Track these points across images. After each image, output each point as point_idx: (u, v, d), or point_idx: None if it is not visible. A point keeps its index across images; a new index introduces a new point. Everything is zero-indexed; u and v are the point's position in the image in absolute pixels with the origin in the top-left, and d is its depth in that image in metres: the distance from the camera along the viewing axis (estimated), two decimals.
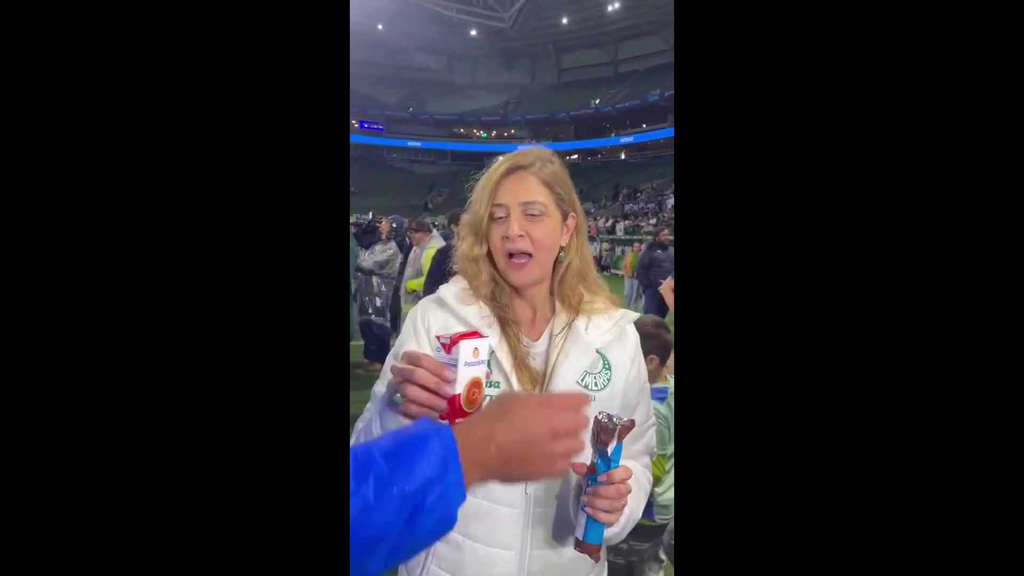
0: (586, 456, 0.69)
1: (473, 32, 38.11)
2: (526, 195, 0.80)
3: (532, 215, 0.80)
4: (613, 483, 0.68)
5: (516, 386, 0.78)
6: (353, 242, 3.02)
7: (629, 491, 0.71)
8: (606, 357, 0.83)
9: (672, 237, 5.97)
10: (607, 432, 0.68)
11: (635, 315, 0.91)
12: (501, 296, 0.84)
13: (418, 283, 4.02)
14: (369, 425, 0.77)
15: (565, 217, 0.85)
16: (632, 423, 0.69)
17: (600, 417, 0.68)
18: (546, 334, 0.84)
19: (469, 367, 0.64)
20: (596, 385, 0.81)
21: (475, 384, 0.64)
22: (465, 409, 0.63)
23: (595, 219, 23.64)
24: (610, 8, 33.76)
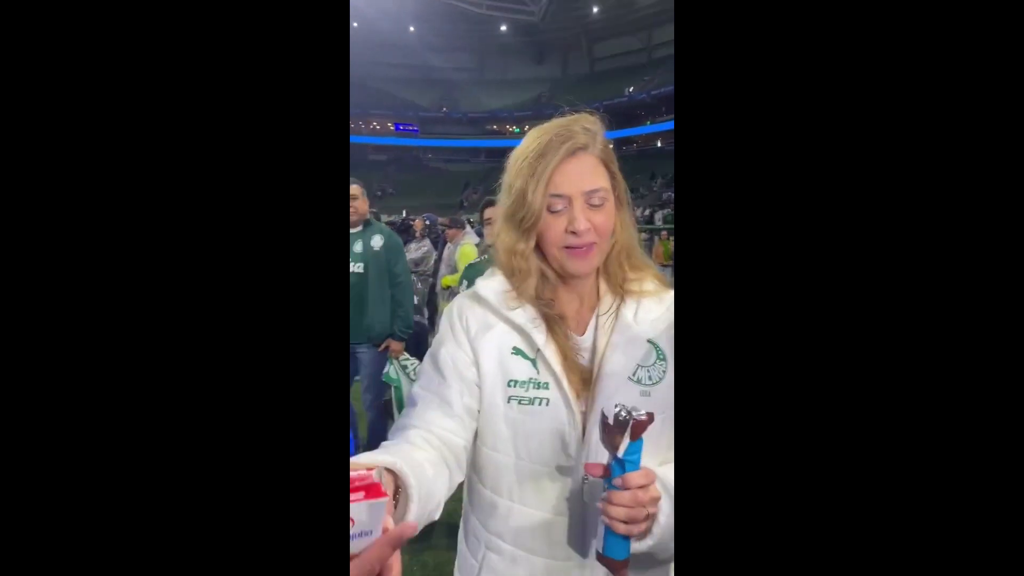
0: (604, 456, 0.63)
1: (503, 27, 38.02)
2: (591, 182, 0.71)
3: (595, 205, 0.71)
4: (629, 488, 0.59)
5: (567, 388, 0.72)
6: (398, 241, 3.02)
7: (652, 498, 0.60)
8: (659, 347, 0.74)
9: None
10: (618, 428, 0.58)
11: None
12: (544, 291, 0.75)
13: (453, 279, 4.04)
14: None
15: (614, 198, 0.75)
16: (651, 417, 0.58)
17: (607, 412, 0.59)
18: (591, 325, 0.77)
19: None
20: (650, 379, 0.73)
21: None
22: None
23: (632, 209, 23.10)
24: None
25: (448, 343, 0.77)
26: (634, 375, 0.73)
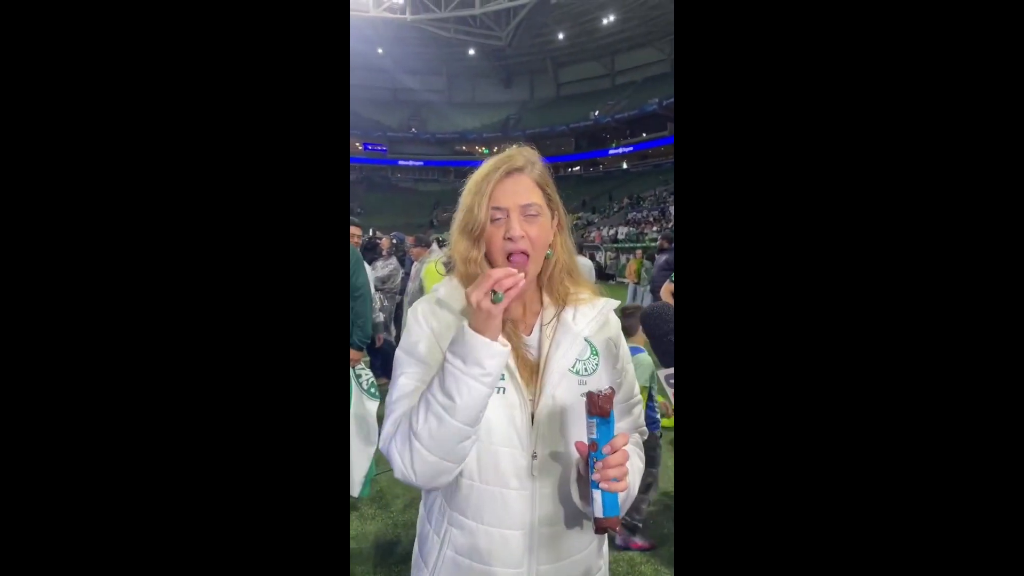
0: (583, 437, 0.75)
1: (471, 51, 38.75)
2: (525, 197, 0.85)
3: (530, 215, 0.84)
4: (616, 449, 0.73)
5: (519, 378, 0.84)
6: (358, 255, 3.06)
7: (627, 456, 0.74)
8: (593, 344, 0.90)
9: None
10: (605, 400, 0.72)
11: (615, 302, 0.95)
12: None
13: None
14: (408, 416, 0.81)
15: (552, 216, 0.89)
16: (612, 390, 0.75)
17: (594, 391, 0.74)
18: (536, 326, 0.89)
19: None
20: (586, 370, 0.87)
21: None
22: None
23: (598, 229, 23.64)
24: (605, 21, 34.21)
25: (416, 334, 0.88)
26: (573, 367, 0.87)
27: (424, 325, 0.88)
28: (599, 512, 0.73)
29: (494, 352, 0.73)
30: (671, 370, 1.79)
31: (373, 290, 4.93)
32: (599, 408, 0.72)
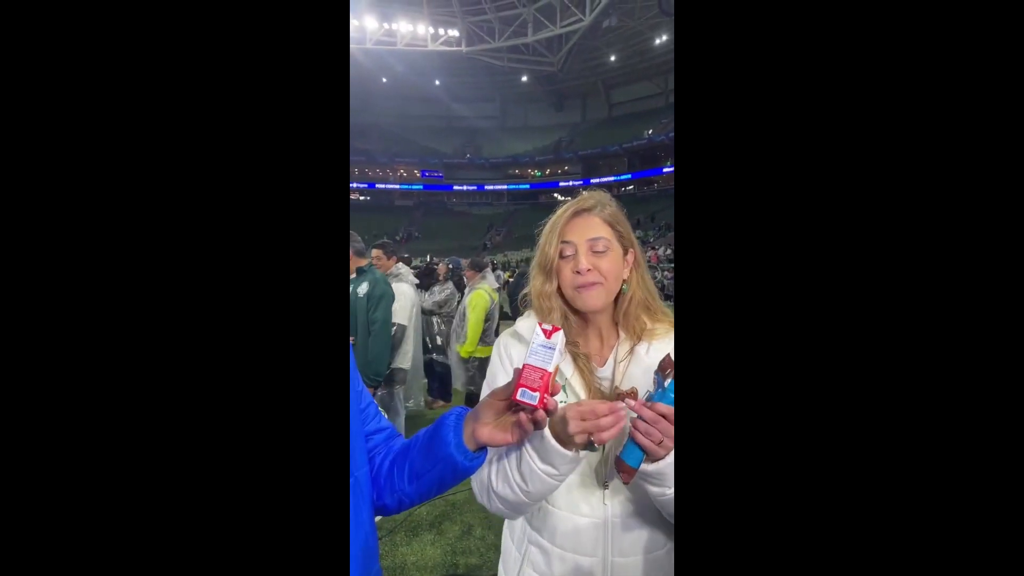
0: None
1: (524, 78, 39.73)
2: (592, 232, 0.90)
3: (598, 251, 0.89)
4: (655, 411, 0.75)
5: None
6: (384, 288, 3.07)
7: (668, 432, 0.75)
8: None
9: None
10: (669, 363, 0.76)
11: None
12: (569, 332, 0.92)
13: (466, 350, 4.07)
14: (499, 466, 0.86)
15: (625, 252, 0.93)
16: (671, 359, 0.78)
17: (671, 356, 0.78)
18: (611, 360, 0.92)
19: (558, 352, 0.73)
20: None
21: (555, 369, 0.73)
22: (551, 384, 0.71)
23: (654, 248, 23.09)
24: (657, 41, 34.06)
25: (499, 371, 0.96)
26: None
27: (504, 358, 0.95)
28: (620, 452, 0.78)
29: (567, 460, 0.77)
30: None
31: (420, 317, 5.04)
32: (662, 368, 0.77)
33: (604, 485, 0.86)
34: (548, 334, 0.71)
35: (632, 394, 0.79)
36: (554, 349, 0.70)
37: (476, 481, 0.88)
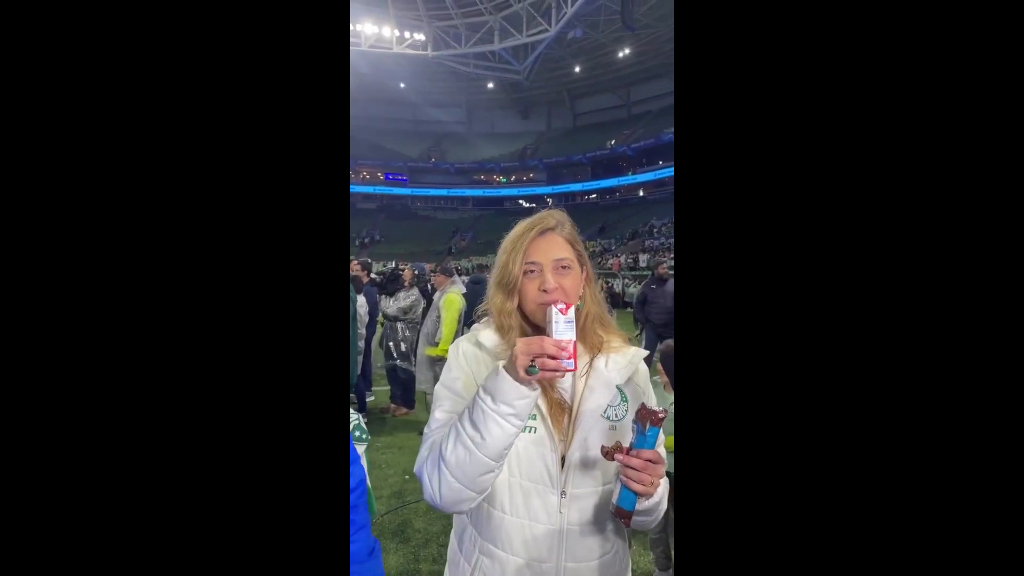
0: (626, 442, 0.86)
1: (490, 85, 39.90)
2: (557, 252, 0.93)
3: (563, 268, 0.92)
4: (641, 458, 0.81)
5: (550, 422, 0.89)
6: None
7: (657, 473, 0.82)
8: (623, 391, 0.96)
9: (670, 271, 5.89)
10: (649, 415, 0.82)
11: (644, 352, 1.02)
12: None
13: (441, 349, 4.13)
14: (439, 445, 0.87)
15: (581, 269, 0.96)
16: (665, 413, 0.83)
17: (647, 406, 0.84)
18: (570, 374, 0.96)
19: (575, 323, 0.82)
20: (616, 416, 0.93)
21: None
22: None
23: (616, 256, 23.63)
24: (620, 54, 35.01)
25: (455, 371, 0.96)
26: (604, 413, 0.92)
27: (464, 364, 0.95)
28: (615, 499, 0.85)
29: (523, 394, 0.79)
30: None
31: (389, 320, 5.01)
32: (641, 417, 0.83)
33: (562, 493, 0.89)
34: (564, 311, 0.81)
35: (618, 448, 0.83)
36: (573, 321, 0.81)
37: (424, 477, 0.87)
